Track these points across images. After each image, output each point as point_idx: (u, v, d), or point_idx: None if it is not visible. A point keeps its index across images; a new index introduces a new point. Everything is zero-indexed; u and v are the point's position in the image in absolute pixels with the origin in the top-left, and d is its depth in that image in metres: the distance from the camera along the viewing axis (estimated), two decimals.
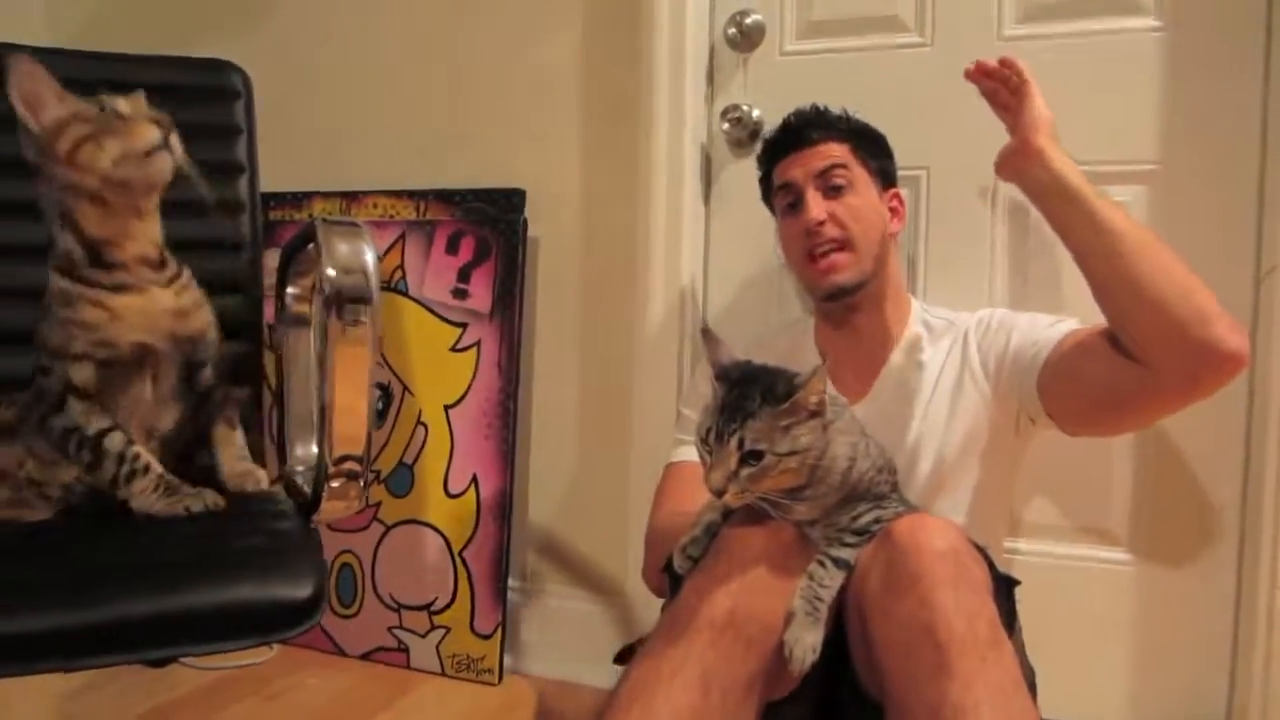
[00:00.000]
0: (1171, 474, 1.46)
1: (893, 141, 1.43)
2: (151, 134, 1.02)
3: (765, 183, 1.46)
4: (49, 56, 1.00)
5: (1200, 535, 1.46)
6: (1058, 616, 1.21)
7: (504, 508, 1.77)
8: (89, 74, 1.08)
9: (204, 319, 1.14)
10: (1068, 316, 1.28)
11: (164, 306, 1.08)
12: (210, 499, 1.05)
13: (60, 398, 1.04)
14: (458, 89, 1.86)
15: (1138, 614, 1.49)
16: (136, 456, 1.05)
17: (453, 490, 1.81)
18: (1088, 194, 1.15)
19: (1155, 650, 1.48)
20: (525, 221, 1.78)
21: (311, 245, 1.09)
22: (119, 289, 1.05)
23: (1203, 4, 1.42)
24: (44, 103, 0.99)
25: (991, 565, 1.06)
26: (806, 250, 1.35)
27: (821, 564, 1.03)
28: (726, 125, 1.67)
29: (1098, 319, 1.18)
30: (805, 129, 1.37)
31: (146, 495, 1.04)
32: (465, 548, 1.79)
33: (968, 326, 1.34)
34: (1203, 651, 1.45)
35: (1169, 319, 1.07)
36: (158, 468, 1.06)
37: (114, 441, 1.05)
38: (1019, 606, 1.14)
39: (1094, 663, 1.50)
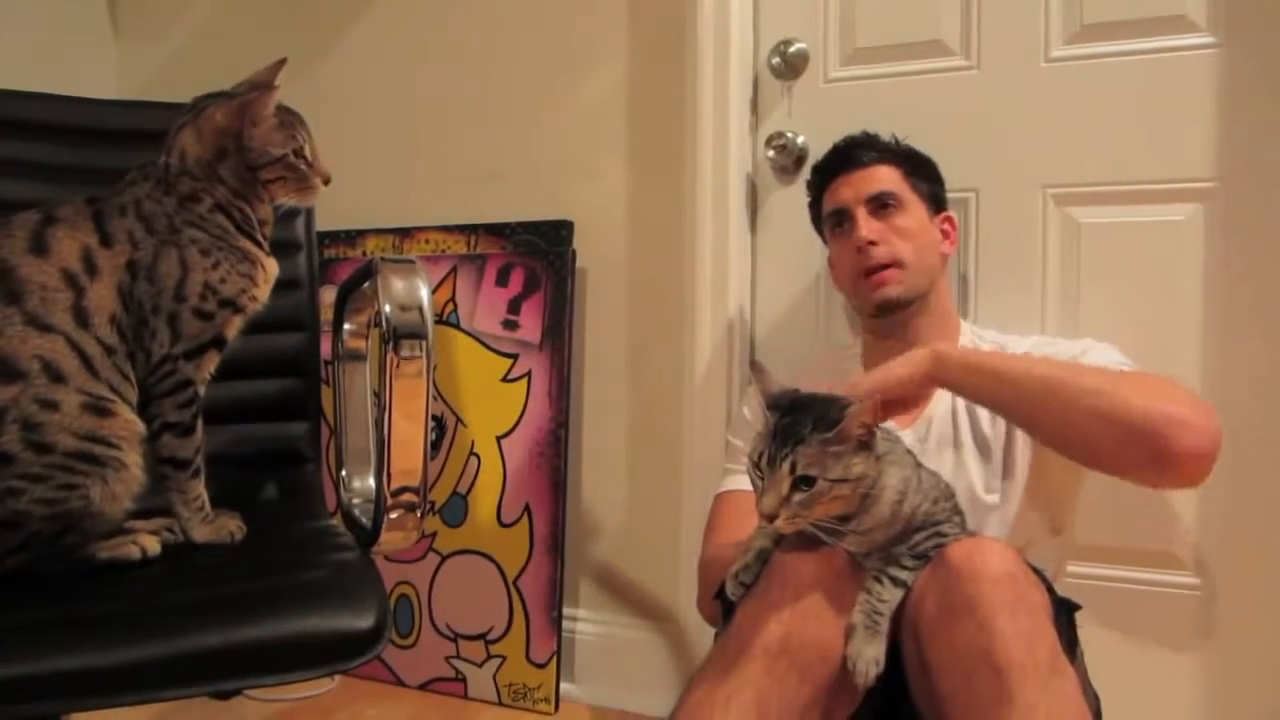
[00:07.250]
0: (1239, 495, 1.42)
1: (941, 165, 1.43)
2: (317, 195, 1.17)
3: (815, 208, 1.47)
4: (124, 108, 1.04)
5: (1273, 559, 1.42)
6: (1123, 643, 1.18)
7: (557, 536, 1.78)
8: (158, 124, 1.13)
9: None
10: (1100, 346, 1.25)
11: (274, 274, 1.15)
12: (234, 526, 1.06)
13: (207, 347, 1.06)
14: (506, 124, 1.90)
15: (1206, 641, 1.45)
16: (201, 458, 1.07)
17: (506, 520, 1.82)
18: (994, 363, 1.15)
19: (1224, 679, 1.44)
20: (574, 253, 1.81)
21: (367, 283, 1.12)
22: (267, 255, 1.14)
23: (1258, 20, 1.41)
24: (268, 133, 1.11)
25: (1051, 589, 1.04)
26: (858, 269, 1.35)
27: (879, 580, 1.02)
28: (771, 153, 1.68)
29: (1148, 343, 1.15)
30: (856, 151, 1.39)
31: (194, 513, 1.05)
32: (519, 576, 1.80)
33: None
34: (1275, 681, 1.41)
35: (1109, 438, 1.06)
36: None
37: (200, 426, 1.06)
38: (1081, 632, 1.12)
39: (1160, 691, 1.46)
